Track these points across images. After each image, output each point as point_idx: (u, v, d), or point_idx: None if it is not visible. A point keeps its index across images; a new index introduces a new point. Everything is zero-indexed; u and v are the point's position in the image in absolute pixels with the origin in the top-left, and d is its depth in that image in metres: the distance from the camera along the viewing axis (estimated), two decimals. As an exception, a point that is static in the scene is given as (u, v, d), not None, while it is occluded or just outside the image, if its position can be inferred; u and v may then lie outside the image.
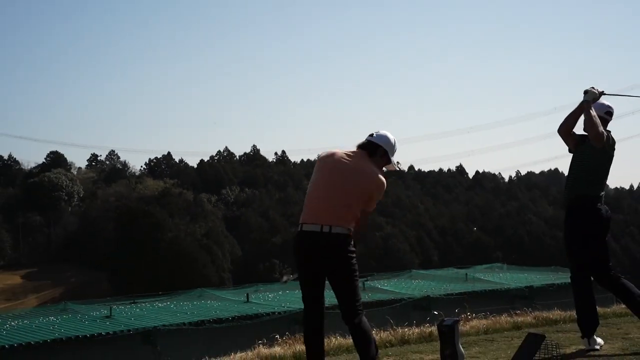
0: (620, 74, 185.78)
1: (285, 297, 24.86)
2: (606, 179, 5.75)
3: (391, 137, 4.83)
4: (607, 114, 5.77)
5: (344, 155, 4.74)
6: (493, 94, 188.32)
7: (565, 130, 5.83)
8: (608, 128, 5.80)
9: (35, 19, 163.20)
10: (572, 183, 5.75)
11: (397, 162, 4.76)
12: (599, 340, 5.71)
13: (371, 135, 4.85)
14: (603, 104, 5.76)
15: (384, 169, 4.87)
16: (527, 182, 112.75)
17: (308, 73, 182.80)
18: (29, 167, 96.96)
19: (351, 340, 6.83)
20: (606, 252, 5.74)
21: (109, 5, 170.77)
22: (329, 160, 4.76)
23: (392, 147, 4.82)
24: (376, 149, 4.78)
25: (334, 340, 6.95)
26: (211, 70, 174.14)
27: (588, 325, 5.64)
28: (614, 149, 5.72)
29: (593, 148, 5.61)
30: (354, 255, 4.68)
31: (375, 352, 4.65)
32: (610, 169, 5.76)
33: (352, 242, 4.69)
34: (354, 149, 4.83)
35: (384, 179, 4.71)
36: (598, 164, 5.66)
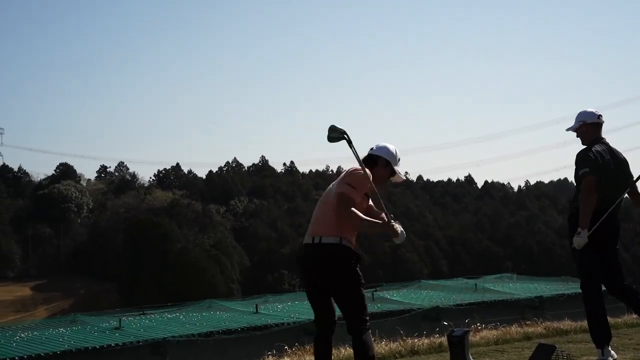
0: (628, 83, 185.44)
1: (294, 308, 24.85)
2: (610, 189, 5.67)
3: (391, 146, 4.78)
4: (599, 118, 5.81)
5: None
6: (502, 103, 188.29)
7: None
8: (607, 139, 5.81)
9: (44, 31, 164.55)
10: (575, 195, 5.78)
11: (406, 173, 4.68)
12: (612, 352, 5.63)
13: (371, 149, 4.83)
14: (593, 113, 5.79)
15: (391, 179, 4.84)
16: (536, 191, 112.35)
17: (317, 83, 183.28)
18: (39, 179, 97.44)
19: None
20: (616, 261, 5.70)
21: (118, 17, 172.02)
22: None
23: (393, 157, 4.77)
24: (377, 161, 4.75)
25: (343, 351, 6.93)
26: (220, 82, 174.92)
27: (600, 335, 5.59)
28: (605, 161, 5.66)
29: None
30: (344, 265, 4.49)
31: None
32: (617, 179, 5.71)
33: (346, 252, 4.50)
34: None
35: (353, 170, 4.60)
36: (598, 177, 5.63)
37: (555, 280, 33.87)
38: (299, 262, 4.73)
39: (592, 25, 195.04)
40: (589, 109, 5.84)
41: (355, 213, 4.44)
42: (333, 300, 4.64)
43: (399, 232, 4.55)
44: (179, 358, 18.10)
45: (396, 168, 4.79)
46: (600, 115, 5.81)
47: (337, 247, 4.48)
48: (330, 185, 4.77)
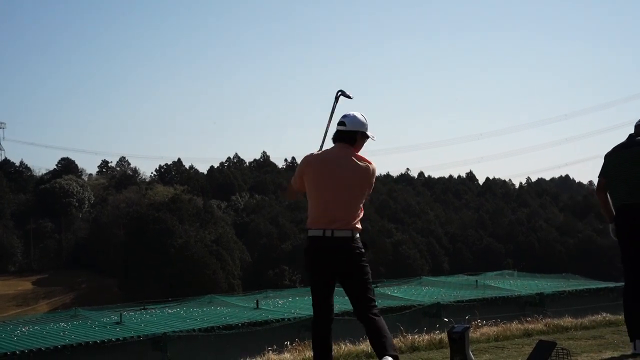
0: (630, 79, 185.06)
1: (295, 304, 24.85)
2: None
3: (359, 116, 4.80)
4: None
5: (333, 156, 4.72)
6: (503, 100, 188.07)
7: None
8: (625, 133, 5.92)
9: (44, 26, 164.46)
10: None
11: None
12: None
13: (342, 124, 4.78)
14: None
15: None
16: (537, 188, 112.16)
17: (317, 79, 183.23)
18: (41, 174, 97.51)
19: (361, 347, 6.84)
20: None
21: (118, 11, 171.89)
22: (322, 164, 4.72)
23: (366, 126, 4.82)
24: (355, 136, 4.76)
25: (343, 347, 6.94)
26: (221, 77, 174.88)
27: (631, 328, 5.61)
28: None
29: None
30: (365, 256, 4.73)
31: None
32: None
33: (362, 243, 4.73)
34: (332, 144, 4.81)
35: (374, 166, 4.78)
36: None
37: (556, 277, 33.86)
38: (321, 251, 4.65)
39: (595, 21, 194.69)
40: None
41: None
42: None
43: None
44: (179, 353, 18.10)
45: (369, 133, 4.85)
46: None
47: (357, 239, 4.70)
48: (338, 161, 4.69)
